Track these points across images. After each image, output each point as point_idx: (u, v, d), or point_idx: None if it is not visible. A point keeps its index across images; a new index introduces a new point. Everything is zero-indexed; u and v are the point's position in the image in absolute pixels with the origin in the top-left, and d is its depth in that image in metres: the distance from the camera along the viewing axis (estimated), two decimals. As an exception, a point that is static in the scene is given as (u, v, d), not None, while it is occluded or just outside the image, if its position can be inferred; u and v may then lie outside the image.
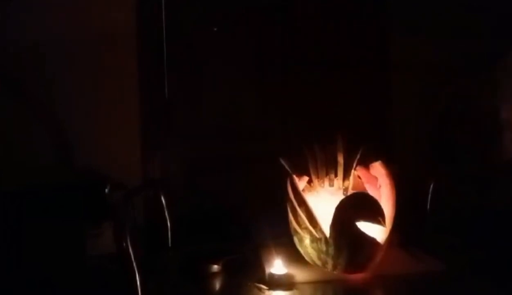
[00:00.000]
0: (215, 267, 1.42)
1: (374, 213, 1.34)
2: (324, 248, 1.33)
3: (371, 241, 1.32)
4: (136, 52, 1.82)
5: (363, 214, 1.33)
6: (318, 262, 1.38)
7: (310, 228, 1.34)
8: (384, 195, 1.42)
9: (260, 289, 1.30)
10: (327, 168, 1.50)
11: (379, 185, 1.45)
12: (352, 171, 1.49)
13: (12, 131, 1.70)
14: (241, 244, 1.61)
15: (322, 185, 1.49)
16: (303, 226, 1.36)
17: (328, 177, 1.50)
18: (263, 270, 1.38)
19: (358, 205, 1.35)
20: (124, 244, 1.20)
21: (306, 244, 1.38)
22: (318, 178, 1.49)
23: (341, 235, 1.31)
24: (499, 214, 1.69)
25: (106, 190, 1.43)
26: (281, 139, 1.91)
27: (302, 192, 1.40)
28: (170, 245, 1.61)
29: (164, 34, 1.86)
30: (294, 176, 1.42)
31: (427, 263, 1.43)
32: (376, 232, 1.35)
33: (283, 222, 1.44)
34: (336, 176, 1.50)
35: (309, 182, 1.48)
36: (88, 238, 1.47)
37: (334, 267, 1.35)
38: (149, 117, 1.85)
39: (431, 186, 1.65)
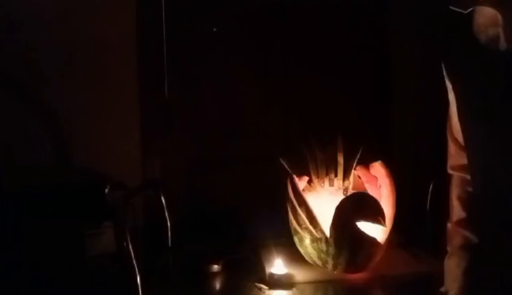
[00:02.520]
0: (215, 267, 1.42)
1: (374, 213, 1.34)
2: (324, 248, 1.33)
3: (371, 241, 1.32)
4: (136, 52, 1.82)
5: (363, 214, 1.33)
6: (318, 262, 1.38)
7: (310, 228, 1.34)
8: (384, 195, 1.42)
9: (260, 289, 1.30)
10: (327, 168, 1.50)
11: (379, 185, 1.45)
12: (352, 171, 1.49)
13: (12, 131, 1.70)
14: (241, 244, 1.61)
15: (322, 185, 1.49)
16: (303, 226, 1.36)
17: (328, 177, 1.50)
18: (263, 270, 1.38)
19: (358, 205, 1.35)
20: (125, 244, 1.20)
21: (306, 244, 1.37)
22: (318, 178, 1.49)
23: (341, 235, 1.31)
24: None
25: (106, 190, 1.43)
26: (281, 139, 1.91)
27: (302, 192, 1.40)
28: (170, 245, 1.61)
29: (164, 34, 1.86)
30: (294, 176, 1.42)
31: (427, 263, 1.43)
32: (376, 232, 1.35)
33: (283, 222, 1.44)
34: (336, 176, 1.50)
35: (309, 182, 1.48)
36: (88, 238, 1.47)
37: (334, 267, 1.35)
38: (149, 117, 1.85)
39: (431, 186, 1.65)
